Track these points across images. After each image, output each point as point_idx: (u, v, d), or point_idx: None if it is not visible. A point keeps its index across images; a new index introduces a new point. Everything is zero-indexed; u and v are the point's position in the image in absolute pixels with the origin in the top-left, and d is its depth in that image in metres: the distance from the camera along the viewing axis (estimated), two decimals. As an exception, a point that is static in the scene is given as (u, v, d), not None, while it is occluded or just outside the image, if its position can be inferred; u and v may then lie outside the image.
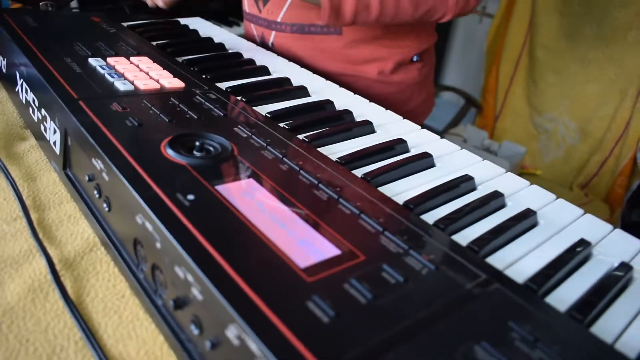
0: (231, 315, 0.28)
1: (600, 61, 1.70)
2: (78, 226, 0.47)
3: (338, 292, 0.31)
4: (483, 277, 0.35)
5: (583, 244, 0.42)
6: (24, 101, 0.62)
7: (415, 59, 0.93)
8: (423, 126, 0.62)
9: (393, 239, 0.37)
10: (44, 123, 0.55)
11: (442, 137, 0.59)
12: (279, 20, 0.92)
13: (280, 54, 0.87)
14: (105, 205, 0.43)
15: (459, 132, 1.76)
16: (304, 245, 0.35)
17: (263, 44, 0.97)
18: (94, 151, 0.43)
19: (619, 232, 0.46)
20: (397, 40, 0.91)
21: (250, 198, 0.39)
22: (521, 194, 0.50)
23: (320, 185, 0.42)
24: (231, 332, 0.28)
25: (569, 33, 1.75)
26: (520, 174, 1.79)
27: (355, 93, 0.69)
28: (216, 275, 0.30)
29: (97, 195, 0.44)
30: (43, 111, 0.55)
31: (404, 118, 0.63)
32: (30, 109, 0.59)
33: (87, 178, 0.45)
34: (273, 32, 0.95)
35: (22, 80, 0.62)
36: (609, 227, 0.47)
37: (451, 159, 0.54)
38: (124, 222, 0.40)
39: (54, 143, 0.52)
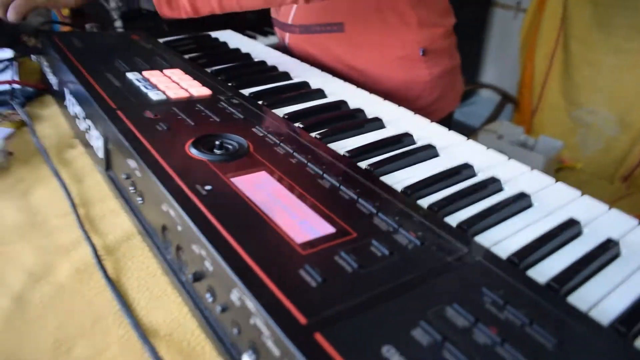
0: (233, 280, 0.33)
1: (636, 51, 1.67)
2: (118, 219, 0.53)
3: (328, 263, 0.35)
4: (465, 251, 0.39)
5: (572, 222, 0.45)
6: (72, 113, 0.70)
7: (421, 52, 0.94)
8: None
9: (385, 219, 0.41)
10: (89, 131, 0.62)
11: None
12: (289, 22, 1.00)
13: (296, 54, 0.95)
14: (139, 198, 0.49)
15: (494, 128, 1.76)
16: (304, 225, 0.39)
17: (284, 46, 1.05)
18: (129, 153, 0.49)
19: (615, 212, 0.48)
20: (398, 35, 0.93)
21: (261, 187, 0.44)
22: (520, 178, 0.53)
23: (324, 175, 0.47)
24: (234, 295, 0.33)
25: (603, 24, 1.73)
26: (559, 169, 1.78)
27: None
28: (222, 248, 0.35)
29: (132, 190, 0.50)
30: (88, 121, 0.62)
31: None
32: (77, 120, 0.67)
33: (124, 176, 0.52)
34: (287, 34, 1.02)
35: (70, 95, 0.69)
36: (605, 207, 0.49)
37: (456, 150, 0.58)
38: (154, 211, 0.46)
39: (97, 148, 0.59)
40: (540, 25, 1.91)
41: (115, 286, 0.44)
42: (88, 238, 0.49)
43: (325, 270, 0.34)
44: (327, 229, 0.39)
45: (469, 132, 1.96)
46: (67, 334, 0.40)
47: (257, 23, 1.62)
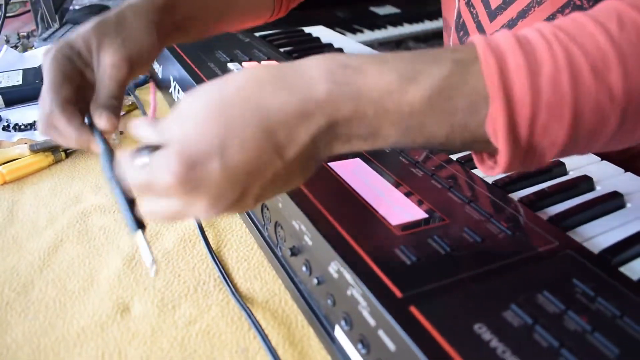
0: (332, 254, 0.35)
1: None
2: (217, 197, 0.58)
3: (422, 244, 0.37)
4: (556, 243, 0.39)
5: (669, 225, 0.44)
6: (176, 99, 0.75)
7: None
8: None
9: (477, 208, 0.42)
10: (192, 116, 0.67)
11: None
12: None
13: None
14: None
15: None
16: (398, 209, 0.41)
17: None
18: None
19: None
20: None
21: (356, 173, 0.46)
22: (613, 180, 0.52)
23: (417, 164, 0.49)
24: (332, 268, 0.36)
25: None
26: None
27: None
28: (322, 225, 0.38)
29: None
30: (192, 106, 0.67)
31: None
32: (182, 105, 0.72)
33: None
34: None
35: (174, 82, 0.75)
36: None
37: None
38: (254, 190, 0.50)
39: (200, 131, 0.64)
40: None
41: (216, 255, 0.48)
42: (192, 212, 0.53)
43: (419, 250, 0.36)
44: (421, 214, 0.41)
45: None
46: (173, 293, 0.44)
47: (347, 21, 1.66)
